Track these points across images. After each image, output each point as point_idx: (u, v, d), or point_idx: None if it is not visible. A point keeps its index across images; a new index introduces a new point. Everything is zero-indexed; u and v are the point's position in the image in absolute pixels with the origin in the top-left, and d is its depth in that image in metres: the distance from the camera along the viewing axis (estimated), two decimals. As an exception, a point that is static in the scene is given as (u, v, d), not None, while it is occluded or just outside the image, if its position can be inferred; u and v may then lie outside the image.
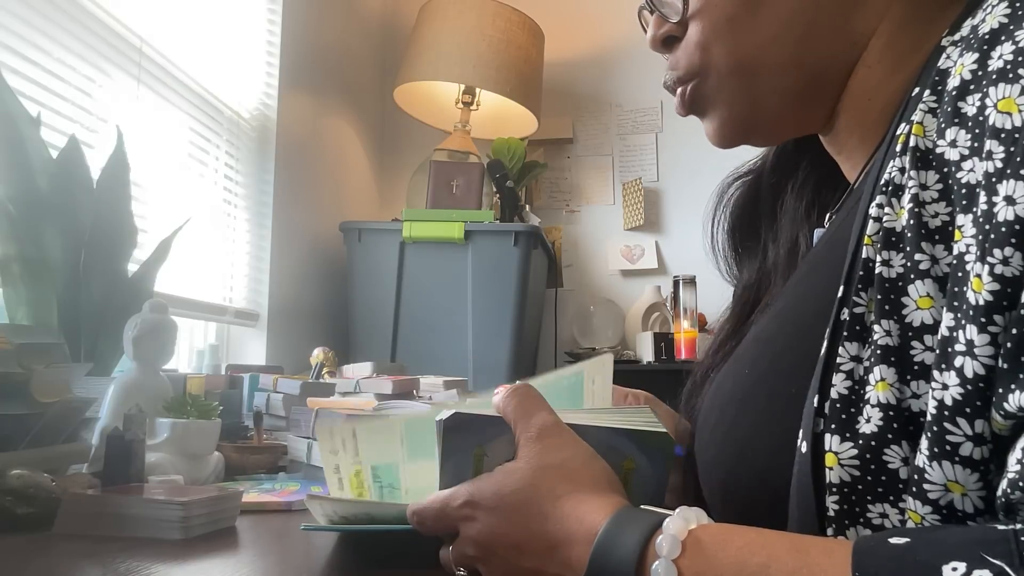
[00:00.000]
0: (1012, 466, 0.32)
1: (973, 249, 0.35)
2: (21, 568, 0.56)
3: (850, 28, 0.52)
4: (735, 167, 0.71)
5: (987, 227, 0.35)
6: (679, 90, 0.58)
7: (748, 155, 0.71)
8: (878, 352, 0.38)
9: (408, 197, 2.38)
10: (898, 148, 0.42)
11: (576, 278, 2.64)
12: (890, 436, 0.37)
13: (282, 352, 1.91)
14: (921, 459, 0.36)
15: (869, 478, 0.38)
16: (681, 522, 0.39)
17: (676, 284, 2.21)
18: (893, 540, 0.33)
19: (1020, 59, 0.36)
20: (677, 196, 2.62)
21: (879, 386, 0.38)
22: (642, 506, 0.43)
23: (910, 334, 0.38)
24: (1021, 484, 0.32)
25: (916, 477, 0.36)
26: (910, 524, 0.36)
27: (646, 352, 2.26)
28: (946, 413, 0.35)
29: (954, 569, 0.30)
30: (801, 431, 0.41)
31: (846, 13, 0.52)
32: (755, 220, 0.67)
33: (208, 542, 0.67)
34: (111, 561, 0.58)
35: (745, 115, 0.57)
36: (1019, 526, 0.30)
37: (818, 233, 0.59)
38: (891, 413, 0.37)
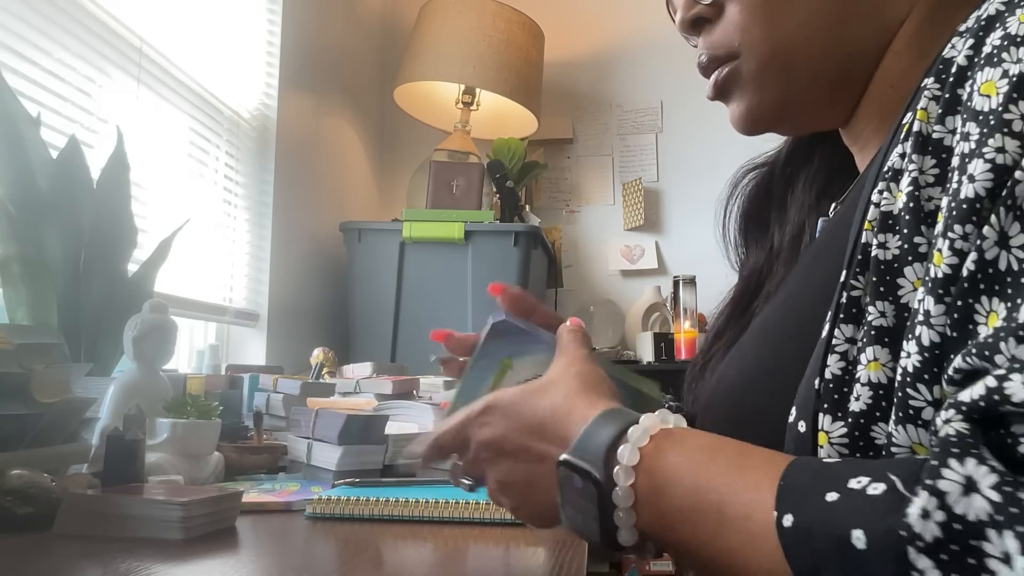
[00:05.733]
0: (940, 417, 0.34)
1: (939, 226, 0.37)
2: (21, 568, 0.56)
3: (883, 13, 0.52)
4: (740, 163, 0.71)
5: (952, 204, 0.36)
6: (713, 73, 0.58)
7: (752, 154, 0.71)
8: (872, 333, 0.39)
9: (408, 197, 2.38)
10: (902, 136, 0.42)
11: (576, 278, 2.64)
12: (878, 414, 0.38)
13: (282, 352, 1.91)
14: (890, 424, 0.37)
15: (857, 455, 0.39)
16: (656, 419, 0.43)
17: (676, 284, 2.21)
18: (827, 460, 0.37)
19: (1005, 43, 0.37)
20: (677, 196, 2.62)
21: (871, 366, 0.39)
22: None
23: (905, 315, 0.39)
24: (940, 433, 0.33)
25: (886, 441, 0.37)
26: None
27: (646, 352, 2.26)
28: (908, 379, 0.37)
29: (858, 482, 0.33)
30: (795, 410, 0.42)
31: None
32: (765, 210, 0.68)
33: (208, 542, 0.67)
34: (111, 561, 0.58)
35: (777, 102, 0.56)
36: (934, 462, 0.31)
37: (822, 223, 0.59)
38: (881, 392, 0.38)
